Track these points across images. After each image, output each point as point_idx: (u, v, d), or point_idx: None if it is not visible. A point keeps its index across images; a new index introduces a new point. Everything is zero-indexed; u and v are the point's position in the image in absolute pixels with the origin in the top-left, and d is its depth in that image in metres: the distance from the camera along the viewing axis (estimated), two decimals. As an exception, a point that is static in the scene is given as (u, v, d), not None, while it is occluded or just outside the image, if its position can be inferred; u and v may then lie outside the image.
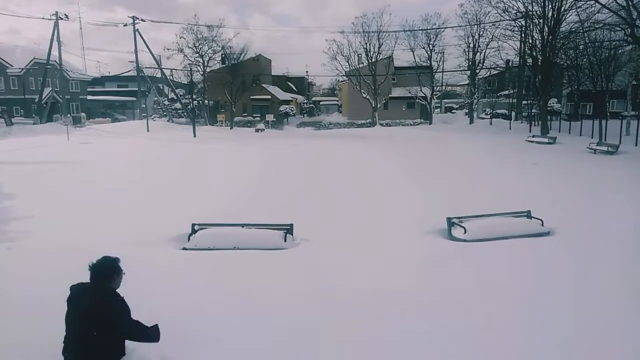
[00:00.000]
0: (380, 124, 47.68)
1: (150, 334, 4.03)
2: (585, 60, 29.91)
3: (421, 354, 4.82)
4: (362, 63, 49.94)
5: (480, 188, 14.29)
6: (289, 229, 8.93)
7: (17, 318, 5.34)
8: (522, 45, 37.37)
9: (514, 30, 35.91)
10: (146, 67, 53.93)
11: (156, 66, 52.34)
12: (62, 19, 41.94)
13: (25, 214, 10.61)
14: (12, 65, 44.68)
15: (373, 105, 48.18)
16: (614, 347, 4.94)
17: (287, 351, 4.87)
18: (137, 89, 52.48)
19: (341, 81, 61.44)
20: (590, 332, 5.22)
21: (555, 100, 39.89)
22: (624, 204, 11.44)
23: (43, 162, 19.09)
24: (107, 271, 3.79)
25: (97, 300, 3.68)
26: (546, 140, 27.58)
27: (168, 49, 49.16)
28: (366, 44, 48.21)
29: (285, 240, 8.63)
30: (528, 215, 9.91)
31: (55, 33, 41.59)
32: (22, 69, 44.81)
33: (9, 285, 6.32)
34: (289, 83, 63.57)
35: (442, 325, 5.41)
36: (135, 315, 3.86)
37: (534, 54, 33.18)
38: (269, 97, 53.23)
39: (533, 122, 37.51)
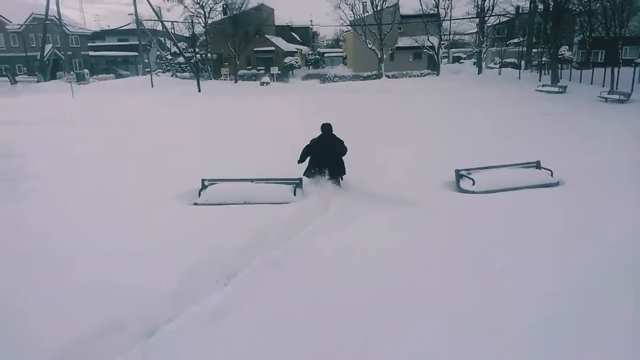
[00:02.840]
0: (387, 76, 46.73)
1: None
2: (598, 5, 28.78)
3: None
4: (367, 11, 48.41)
5: (489, 139, 14.18)
6: (298, 183, 8.99)
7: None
8: (534, -10, 35.96)
9: (525, -26, 34.48)
10: (146, 20, 52.72)
11: (156, 18, 51.09)
12: (57, -30, 40.68)
13: (37, 172, 10.72)
14: (11, 22, 43.62)
15: (379, 57, 47.06)
16: (627, 292, 5.00)
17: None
18: (137, 42, 51.49)
19: (345, 32, 59.82)
20: (601, 276, 5.32)
21: (567, 47, 38.73)
22: (635, 153, 11.34)
23: (50, 120, 19.03)
24: (330, 127, 8.98)
25: (335, 138, 8.89)
26: (556, 89, 27.08)
27: (167, 1, 47.98)
28: (371, -10, 46.60)
29: (295, 194, 8.71)
30: (537, 165, 9.89)
31: (52, -15, 40.49)
32: (22, 25, 43.81)
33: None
34: (292, 34, 61.95)
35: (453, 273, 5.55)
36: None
37: (546, -1, 31.96)
38: (273, 48, 52.10)
39: (543, 71, 36.66)
